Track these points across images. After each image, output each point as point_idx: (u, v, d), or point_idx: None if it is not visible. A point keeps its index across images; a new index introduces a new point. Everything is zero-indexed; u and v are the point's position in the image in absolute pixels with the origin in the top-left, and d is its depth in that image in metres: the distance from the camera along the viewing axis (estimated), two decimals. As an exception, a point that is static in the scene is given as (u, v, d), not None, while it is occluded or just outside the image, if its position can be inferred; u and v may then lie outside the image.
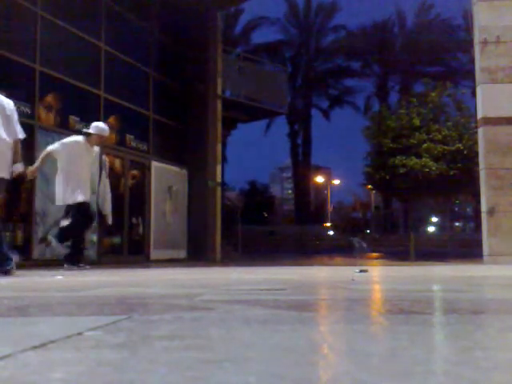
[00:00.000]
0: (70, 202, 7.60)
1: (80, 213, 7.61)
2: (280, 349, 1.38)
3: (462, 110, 14.94)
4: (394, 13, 42.66)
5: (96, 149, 8.14)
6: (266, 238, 33.34)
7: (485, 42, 10.02)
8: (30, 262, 9.72)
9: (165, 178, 14.06)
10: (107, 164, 12.03)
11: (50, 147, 7.76)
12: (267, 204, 51.75)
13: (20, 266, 8.95)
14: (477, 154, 10.73)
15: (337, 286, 3.99)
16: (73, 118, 11.28)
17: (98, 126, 7.97)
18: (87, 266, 7.78)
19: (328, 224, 52.74)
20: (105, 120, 12.18)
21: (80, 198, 7.59)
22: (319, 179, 64.18)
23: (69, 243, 7.82)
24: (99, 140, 7.98)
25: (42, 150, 10.45)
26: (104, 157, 11.99)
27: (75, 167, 7.65)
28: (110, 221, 11.97)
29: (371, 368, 1.16)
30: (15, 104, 8.52)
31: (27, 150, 10.35)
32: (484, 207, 9.97)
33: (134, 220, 13.20)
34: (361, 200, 68.96)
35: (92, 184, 8.31)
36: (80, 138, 7.85)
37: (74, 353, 1.31)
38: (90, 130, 7.88)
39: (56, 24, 11.03)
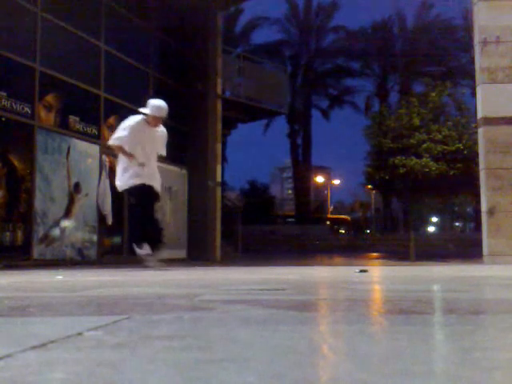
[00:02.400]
0: (127, 186, 7.11)
1: (139, 195, 7.10)
2: (280, 349, 1.38)
3: (462, 110, 14.94)
4: (394, 13, 42.66)
5: (158, 129, 7.32)
6: (266, 237, 33.33)
7: (485, 42, 10.01)
8: (30, 262, 9.73)
9: (165, 179, 14.04)
10: (107, 164, 12.05)
11: (114, 142, 7.10)
12: (267, 204, 51.74)
13: (20, 266, 8.98)
14: (477, 154, 10.73)
15: (337, 286, 3.99)
16: (73, 118, 11.29)
17: (153, 106, 7.16)
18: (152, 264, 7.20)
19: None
20: (105, 120, 12.21)
21: (138, 181, 7.05)
22: (319, 179, 64.22)
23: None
24: (156, 121, 7.17)
25: (41, 150, 10.50)
26: (104, 157, 12.00)
27: (135, 151, 7.06)
28: (109, 221, 11.99)
29: (371, 368, 1.15)
30: (15, 104, 8.53)
31: (26, 150, 10.38)
32: (484, 207, 9.97)
33: (133, 220, 13.20)
34: (361, 200, 69.01)
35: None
36: (139, 117, 7.18)
37: (74, 353, 1.31)
38: (145, 110, 7.14)
39: (56, 24, 11.04)
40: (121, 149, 7.08)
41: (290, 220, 49.37)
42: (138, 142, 7.08)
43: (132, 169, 7.06)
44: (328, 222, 53.66)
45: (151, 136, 7.20)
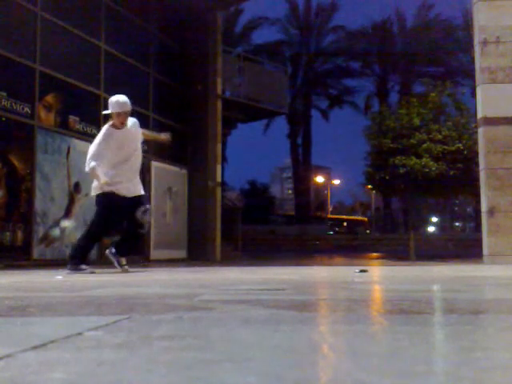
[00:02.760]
0: (97, 192, 6.63)
1: (99, 205, 6.64)
2: (280, 349, 1.38)
3: (462, 110, 14.93)
4: (394, 13, 42.68)
5: (129, 124, 6.70)
6: (267, 237, 33.33)
7: (485, 42, 10.01)
8: (30, 262, 9.73)
9: (165, 179, 14.07)
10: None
11: (89, 166, 6.53)
12: (267, 204, 51.77)
13: (20, 266, 8.98)
14: (477, 154, 10.72)
15: (337, 286, 3.98)
16: (73, 118, 11.29)
17: (112, 103, 6.59)
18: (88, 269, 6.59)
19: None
20: (105, 120, 12.20)
21: (104, 189, 6.55)
22: (319, 179, 64.25)
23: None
24: (121, 119, 6.58)
25: (41, 150, 10.49)
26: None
27: (114, 160, 6.60)
28: (109, 221, 11.99)
29: (371, 368, 1.15)
30: (15, 104, 8.37)
31: (26, 150, 10.38)
32: (484, 207, 9.97)
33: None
34: (361, 200, 69.08)
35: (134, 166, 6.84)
36: (105, 127, 6.70)
37: (74, 353, 1.31)
38: (107, 111, 6.66)
39: (56, 24, 11.04)
40: (93, 172, 6.55)
41: (285, 219, 49.55)
42: (114, 150, 6.60)
43: (106, 174, 6.59)
44: (345, 224, 53.76)
45: (124, 138, 6.67)
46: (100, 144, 6.59)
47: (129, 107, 6.66)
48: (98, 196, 6.69)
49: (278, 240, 32.82)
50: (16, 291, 3.54)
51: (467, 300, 2.80)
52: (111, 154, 6.62)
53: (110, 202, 6.63)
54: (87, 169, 6.62)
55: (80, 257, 6.59)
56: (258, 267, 8.39)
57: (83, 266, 6.45)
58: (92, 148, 6.66)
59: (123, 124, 6.64)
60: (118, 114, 6.56)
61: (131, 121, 6.83)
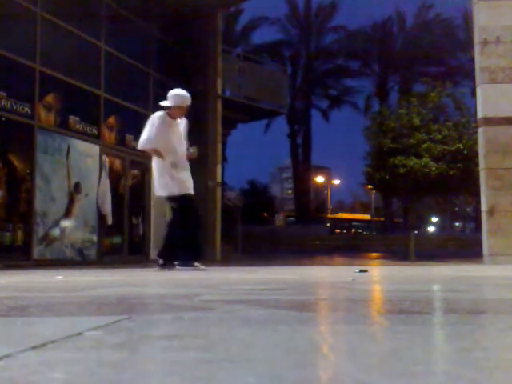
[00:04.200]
0: (176, 192, 6.89)
1: (185, 205, 6.88)
2: (280, 349, 1.38)
3: (462, 110, 14.94)
4: (394, 13, 42.69)
5: (181, 121, 6.95)
6: (266, 237, 33.32)
7: (485, 42, 10.01)
8: (30, 262, 9.73)
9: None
10: (107, 164, 12.05)
11: (146, 146, 6.73)
12: (267, 204, 51.76)
13: (20, 266, 8.97)
14: (477, 154, 10.73)
15: (337, 286, 3.98)
16: (73, 118, 11.29)
17: (175, 96, 6.81)
18: (201, 266, 6.78)
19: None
20: (105, 120, 12.20)
21: (188, 189, 6.88)
22: (319, 179, 64.26)
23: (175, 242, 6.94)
24: (180, 112, 6.84)
25: (41, 150, 10.49)
26: (104, 157, 12.01)
27: (168, 150, 6.74)
28: (109, 221, 11.99)
29: (371, 368, 1.15)
30: (15, 104, 8.36)
31: (26, 150, 10.38)
32: (484, 207, 9.97)
33: (134, 220, 13.20)
34: (361, 200, 69.06)
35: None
36: (161, 113, 6.82)
37: (74, 353, 1.31)
38: (168, 103, 6.77)
39: (56, 24, 11.04)
40: (155, 151, 6.70)
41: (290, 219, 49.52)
42: (169, 139, 6.73)
43: (168, 175, 6.80)
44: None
45: (177, 130, 6.84)
46: (157, 127, 6.66)
47: (190, 101, 6.90)
48: (177, 198, 6.89)
49: (278, 240, 32.81)
50: (16, 291, 3.54)
51: (467, 300, 2.80)
52: (163, 142, 6.69)
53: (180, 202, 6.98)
54: (144, 148, 6.76)
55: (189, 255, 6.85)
56: (258, 267, 8.39)
57: (195, 263, 6.72)
58: (146, 129, 6.73)
59: (179, 118, 6.88)
60: (180, 108, 6.79)
61: (182, 119, 7.00)
